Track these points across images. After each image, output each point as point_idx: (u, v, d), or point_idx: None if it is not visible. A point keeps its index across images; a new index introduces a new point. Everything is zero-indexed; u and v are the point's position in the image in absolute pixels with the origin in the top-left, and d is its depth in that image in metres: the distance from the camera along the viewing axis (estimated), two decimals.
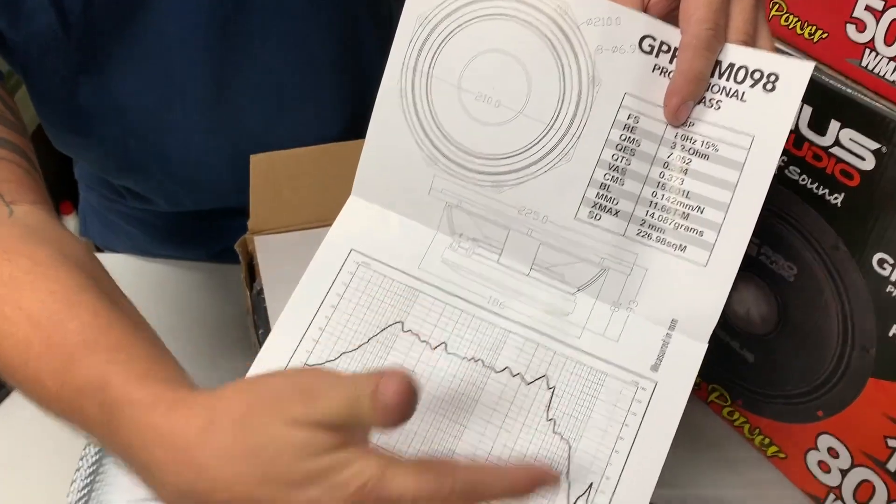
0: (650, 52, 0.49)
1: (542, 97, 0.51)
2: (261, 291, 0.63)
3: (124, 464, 0.44)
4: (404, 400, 0.38)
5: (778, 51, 0.49)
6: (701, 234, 0.49)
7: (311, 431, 0.38)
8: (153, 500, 0.42)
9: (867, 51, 0.55)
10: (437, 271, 0.53)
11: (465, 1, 0.51)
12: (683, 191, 0.50)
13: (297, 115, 0.76)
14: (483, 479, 0.40)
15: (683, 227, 0.50)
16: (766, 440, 0.71)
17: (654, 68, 0.49)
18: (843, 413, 0.63)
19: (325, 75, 0.76)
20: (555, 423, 0.50)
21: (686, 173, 0.50)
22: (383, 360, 0.51)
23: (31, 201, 0.55)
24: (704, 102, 0.49)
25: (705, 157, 0.49)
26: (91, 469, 0.64)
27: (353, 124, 0.78)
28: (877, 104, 0.54)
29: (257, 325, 0.61)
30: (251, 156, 0.63)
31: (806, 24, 0.59)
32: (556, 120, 0.51)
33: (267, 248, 0.66)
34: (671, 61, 0.49)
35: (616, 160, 0.51)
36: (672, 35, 0.49)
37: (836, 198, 0.58)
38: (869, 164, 0.55)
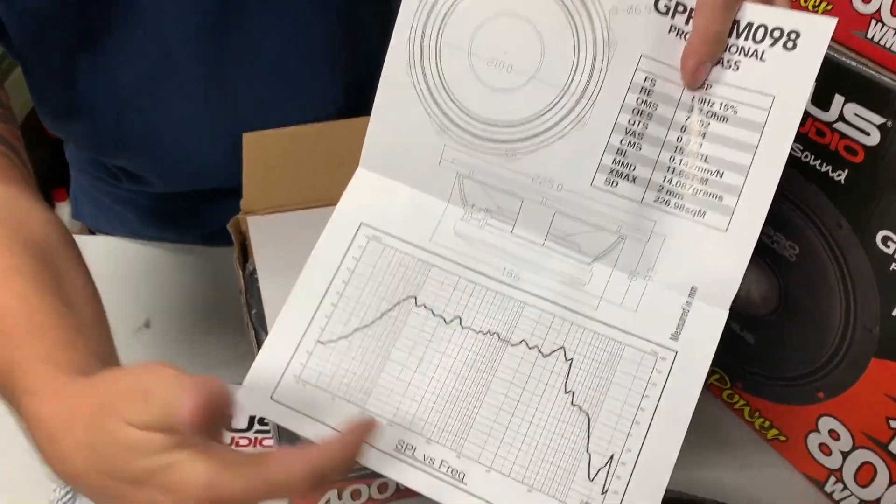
0: (666, 13, 0.47)
1: (555, 61, 0.48)
2: (254, 272, 0.60)
3: None
4: (200, 418, 0.36)
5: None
6: (720, 198, 0.47)
7: (142, 432, 0.38)
8: None
9: (873, 22, 0.53)
10: (449, 244, 0.50)
11: None
12: (702, 155, 0.48)
13: (292, 93, 0.74)
14: (319, 459, 0.39)
15: (702, 192, 0.48)
16: (766, 423, 0.68)
17: (670, 29, 0.47)
18: (844, 395, 0.61)
19: (321, 54, 0.73)
20: (573, 395, 0.47)
21: (704, 137, 0.47)
22: (397, 335, 0.49)
23: (1, 181, 0.52)
24: (722, 63, 0.47)
25: (724, 119, 0.47)
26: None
27: (350, 104, 0.76)
28: (883, 77, 0.52)
29: (250, 305, 0.58)
30: (244, 134, 0.60)
31: None
32: (570, 84, 0.48)
33: (260, 229, 0.62)
34: (687, 22, 0.47)
35: (633, 125, 0.48)
36: None
37: (839, 174, 0.56)
38: (874, 139, 0.53)
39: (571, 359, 0.48)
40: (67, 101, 0.69)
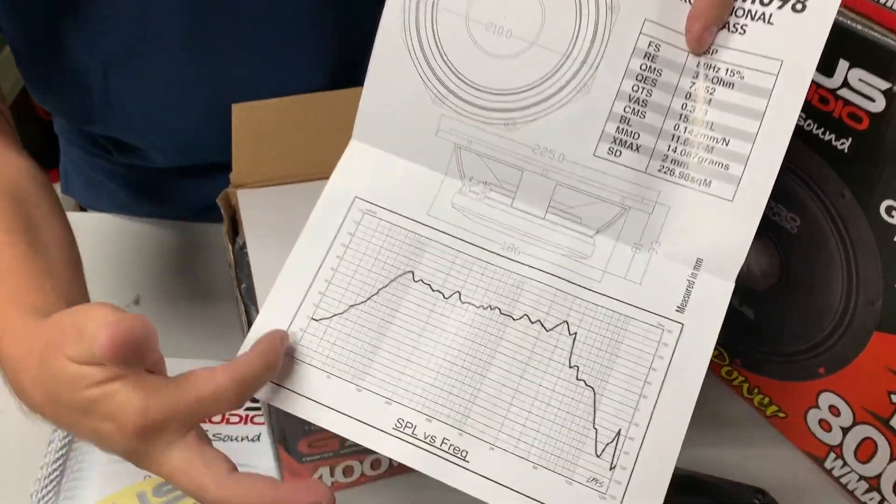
0: None
1: (556, 26, 0.45)
2: (243, 246, 0.57)
3: None
4: (113, 351, 0.37)
5: None
6: (727, 167, 0.44)
7: (80, 366, 0.39)
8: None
9: None
10: (447, 217, 0.47)
11: None
12: (708, 122, 0.45)
13: (280, 60, 0.70)
14: (241, 368, 0.41)
15: (708, 161, 0.45)
16: (766, 399, 0.66)
17: None
18: (845, 370, 0.59)
19: (309, 22, 0.69)
20: (578, 370, 0.45)
21: (710, 104, 0.45)
22: (394, 311, 0.46)
23: None
24: (728, 27, 0.44)
25: (730, 85, 0.44)
26: (61, 450, 0.60)
27: (339, 74, 0.72)
28: (889, 40, 0.49)
29: (239, 279, 0.55)
30: (234, 105, 0.56)
31: None
32: (572, 50, 0.45)
33: (250, 202, 0.59)
34: None
35: (636, 92, 0.45)
36: None
37: (842, 143, 0.53)
38: (879, 105, 0.50)
39: (575, 333, 0.45)
40: (52, 69, 0.66)
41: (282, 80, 0.69)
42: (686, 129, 0.45)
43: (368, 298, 0.46)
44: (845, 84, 0.51)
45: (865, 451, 0.60)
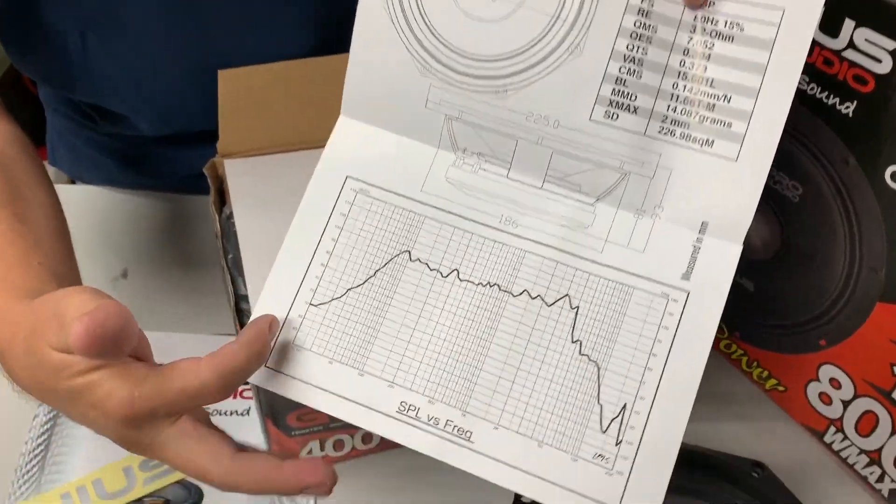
0: None
1: None
2: (230, 216, 0.54)
3: None
4: (86, 344, 0.35)
5: None
6: (729, 125, 0.41)
7: (63, 355, 0.37)
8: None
9: None
10: (442, 193, 0.44)
11: None
12: (707, 79, 0.41)
13: (266, 26, 0.65)
14: (226, 358, 0.38)
15: (709, 120, 0.41)
16: (765, 373, 0.62)
17: None
18: (846, 342, 0.55)
19: None
20: (581, 344, 0.42)
21: (709, 59, 0.41)
22: (392, 293, 0.43)
23: None
24: None
25: (729, 38, 0.40)
26: (46, 426, 0.57)
27: (329, 38, 0.67)
28: None
29: (226, 250, 0.52)
30: (219, 71, 0.52)
31: None
32: (561, 10, 0.41)
33: (237, 172, 0.56)
34: None
35: (632, 50, 0.41)
36: None
37: (847, 107, 0.49)
38: (885, 66, 0.46)
39: (577, 307, 0.42)
40: (28, 31, 0.62)
41: (268, 45, 0.65)
42: (685, 87, 0.41)
43: (366, 281, 0.43)
44: (851, 45, 0.47)
45: (866, 424, 0.56)
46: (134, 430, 0.37)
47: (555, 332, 0.42)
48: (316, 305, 0.43)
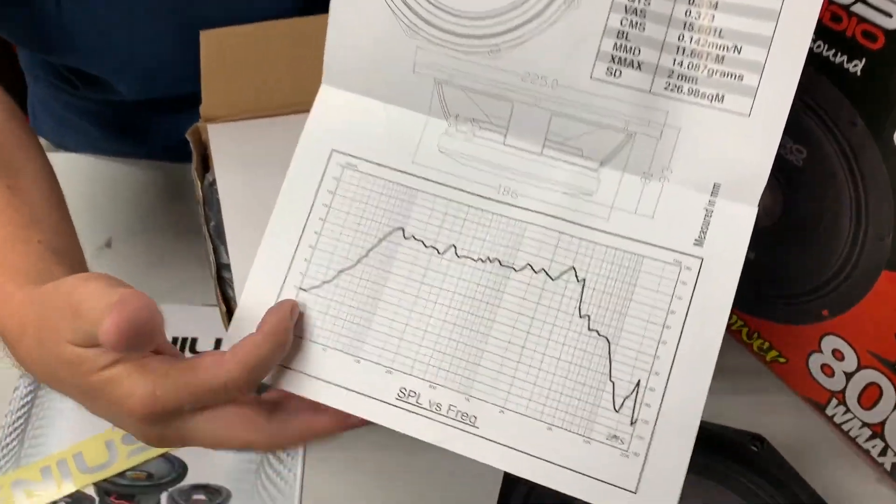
0: None
1: None
2: (213, 182, 0.49)
3: None
4: (120, 340, 0.32)
5: None
6: (740, 78, 0.36)
7: (81, 350, 0.34)
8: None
9: None
10: (434, 164, 0.39)
11: None
12: (715, 29, 0.36)
13: None
14: (250, 351, 0.35)
15: (719, 73, 0.36)
16: (766, 344, 0.58)
17: None
18: (851, 311, 0.51)
19: None
20: (589, 319, 0.37)
21: (717, 7, 0.36)
22: (387, 273, 0.38)
23: None
24: None
25: None
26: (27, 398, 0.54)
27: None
28: None
29: (208, 217, 0.48)
30: (201, 32, 0.47)
31: None
32: None
33: (221, 137, 0.51)
34: None
35: (633, 1, 0.37)
36: None
37: (855, 65, 0.44)
38: None
39: (584, 279, 0.37)
40: None
41: (254, 4, 0.59)
42: (692, 38, 0.36)
43: (358, 262, 0.39)
44: None
45: (870, 396, 0.52)
46: (158, 426, 0.35)
47: (561, 308, 0.37)
48: (306, 290, 0.39)
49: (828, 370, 0.54)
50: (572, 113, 0.38)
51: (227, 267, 0.46)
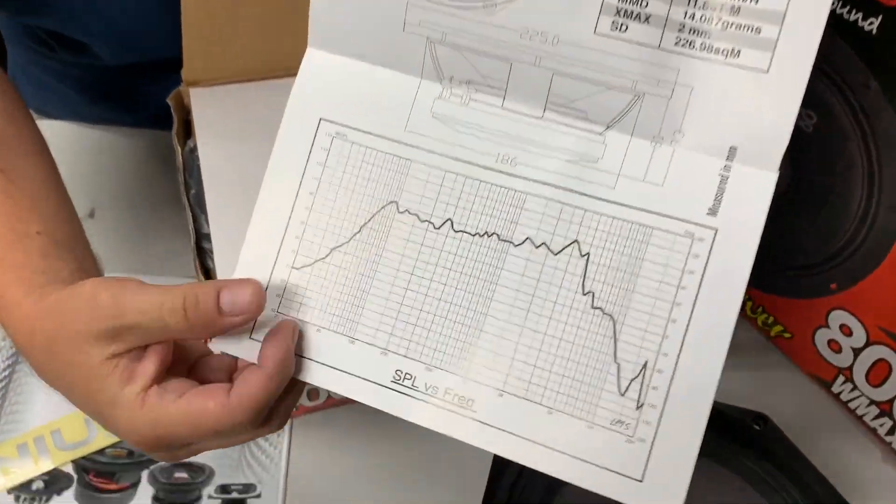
0: None
1: None
2: (194, 149, 0.46)
3: None
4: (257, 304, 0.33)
5: None
6: (758, 30, 0.31)
7: (99, 361, 0.32)
8: None
9: None
10: (428, 131, 0.35)
11: None
12: None
13: None
14: (261, 401, 0.32)
15: (734, 26, 0.31)
16: (770, 319, 0.53)
17: None
18: (860, 285, 0.47)
19: None
20: (593, 296, 0.33)
21: None
22: (381, 250, 0.35)
23: None
24: None
25: None
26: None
27: None
28: None
29: (188, 185, 0.45)
30: None
31: None
32: None
33: (204, 102, 0.47)
34: None
35: None
36: None
37: (870, 23, 0.39)
38: None
39: (587, 253, 0.33)
40: None
41: None
42: None
43: (351, 238, 0.35)
44: None
45: (878, 373, 0.48)
46: (159, 451, 0.34)
47: (563, 284, 0.33)
48: (298, 269, 0.35)
49: (835, 346, 0.50)
50: (575, 72, 0.33)
51: (208, 237, 0.42)
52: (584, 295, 0.33)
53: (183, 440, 0.32)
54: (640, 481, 0.32)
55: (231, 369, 0.35)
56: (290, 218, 0.35)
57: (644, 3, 0.32)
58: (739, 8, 0.31)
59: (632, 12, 0.32)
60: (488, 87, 0.34)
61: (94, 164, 0.63)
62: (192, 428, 0.32)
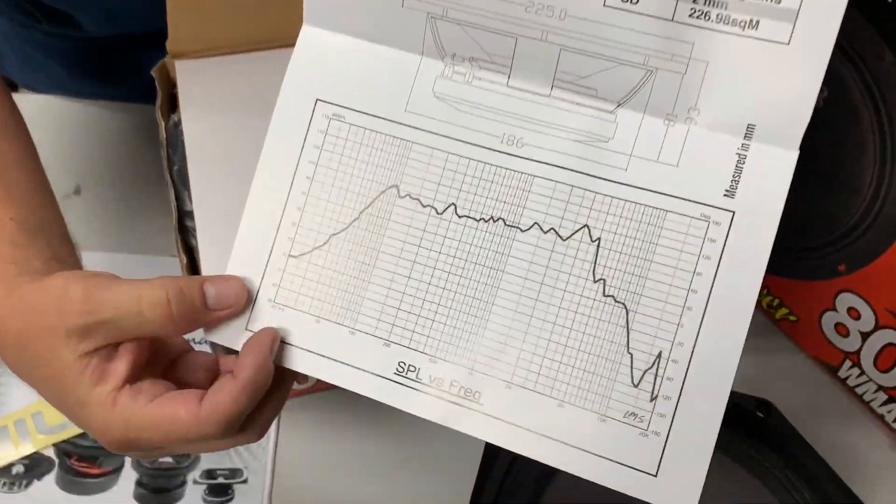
0: None
1: None
2: (179, 122, 0.42)
3: None
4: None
5: None
6: (778, 0, 0.28)
7: (73, 359, 0.29)
8: None
9: None
10: (430, 111, 0.32)
11: None
12: None
13: None
14: (232, 415, 0.30)
15: None
16: (775, 301, 0.50)
17: None
18: (870, 267, 0.43)
19: None
20: (605, 284, 0.30)
21: None
22: (381, 236, 0.32)
23: None
24: None
25: None
26: None
27: None
28: None
29: (171, 160, 0.42)
30: None
31: None
32: None
33: (190, 74, 0.43)
34: None
35: None
36: None
37: None
38: None
39: (598, 238, 0.30)
40: None
41: None
42: None
43: (350, 224, 0.32)
44: None
45: (887, 358, 0.45)
46: (131, 452, 0.32)
47: (573, 271, 0.30)
48: (296, 257, 0.32)
49: (842, 330, 0.47)
50: (584, 47, 0.30)
51: (190, 214, 0.39)
52: (595, 282, 0.30)
53: (154, 445, 0.30)
54: (655, 476, 0.29)
55: (213, 368, 0.32)
56: (286, 203, 0.32)
57: None
58: None
59: None
60: (492, 64, 0.31)
61: (81, 139, 0.60)
62: (163, 434, 0.29)
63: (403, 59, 0.32)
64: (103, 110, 0.61)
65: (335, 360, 0.32)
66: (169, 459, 0.44)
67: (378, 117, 0.32)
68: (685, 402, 0.29)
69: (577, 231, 0.30)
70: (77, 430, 0.45)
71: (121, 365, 0.29)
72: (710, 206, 0.29)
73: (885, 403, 0.47)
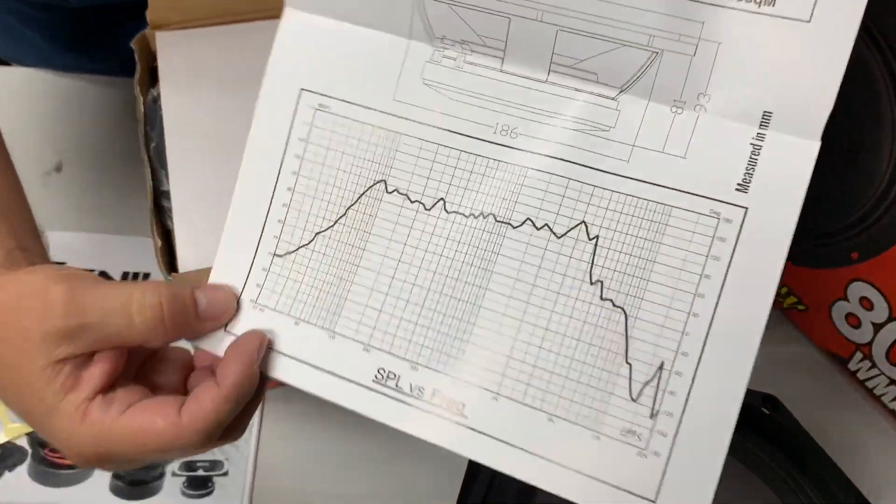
0: None
1: None
2: (157, 98, 0.39)
3: None
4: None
5: None
6: None
7: (50, 364, 0.26)
8: None
9: None
10: (419, 100, 0.28)
11: None
12: None
13: None
14: (213, 424, 0.27)
15: None
16: (783, 289, 0.46)
17: None
18: (884, 255, 0.39)
19: None
20: (602, 286, 0.26)
21: None
22: (367, 234, 0.28)
23: None
24: None
25: None
26: None
27: None
28: None
29: (149, 137, 0.38)
30: None
31: None
32: None
33: (171, 47, 0.40)
34: None
35: None
36: None
37: None
38: None
39: (596, 236, 0.26)
40: None
41: None
42: None
43: (336, 221, 0.29)
44: None
45: None
46: (101, 466, 0.28)
47: (567, 272, 0.27)
48: (281, 256, 0.29)
49: (853, 320, 0.43)
50: (584, 27, 0.26)
51: (167, 195, 0.36)
52: (592, 284, 0.26)
53: (128, 458, 0.27)
54: (653, 502, 0.25)
55: (186, 367, 0.29)
56: (271, 200, 0.29)
57: None
58: None
59: None
60: (485, 47, 0.27)
61: (63, 114, 0.56)
62: (138, 447, 0.26)
63: (390, 43, 0.28)
64: (85, 83, 0.58)
65: (312, 365, 0.29)
66: None
67: (365, 107, 0.28)
68: (689, 420, 0.25)
69: (572, 228, 0.26)
70: None
71: (96, 372, 0.26)
72: (720, 201, 0.25)
73: None
